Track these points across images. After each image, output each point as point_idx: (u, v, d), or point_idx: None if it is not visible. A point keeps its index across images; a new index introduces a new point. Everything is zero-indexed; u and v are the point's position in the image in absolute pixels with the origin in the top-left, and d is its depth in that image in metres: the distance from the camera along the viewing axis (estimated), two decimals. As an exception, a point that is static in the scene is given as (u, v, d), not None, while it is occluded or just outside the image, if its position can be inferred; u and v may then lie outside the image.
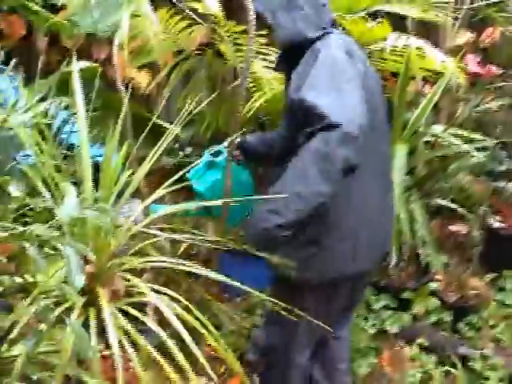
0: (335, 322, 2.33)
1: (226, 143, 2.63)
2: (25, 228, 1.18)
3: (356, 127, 1.86)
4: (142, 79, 4.42)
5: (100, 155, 2.21)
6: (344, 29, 2.82)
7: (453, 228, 3.89)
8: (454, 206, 3.52)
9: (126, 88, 4.57)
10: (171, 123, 2.32)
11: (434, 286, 3.44)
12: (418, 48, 2.59)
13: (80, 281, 1.08)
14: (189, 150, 3.88)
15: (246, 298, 3.31)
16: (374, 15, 3.16)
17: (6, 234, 1.18)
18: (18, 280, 1.27)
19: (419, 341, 3.20)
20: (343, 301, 2.31)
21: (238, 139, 2.63)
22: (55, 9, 3.11)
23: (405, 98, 3.11)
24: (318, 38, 2.15)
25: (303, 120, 1.95)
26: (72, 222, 1.52)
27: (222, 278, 2.04)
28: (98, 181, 2.01)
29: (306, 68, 2.06)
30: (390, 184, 2.41)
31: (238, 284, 1.92)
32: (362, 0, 3.17)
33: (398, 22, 4.45)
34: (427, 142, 3.43)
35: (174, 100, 3.97)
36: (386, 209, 2.33)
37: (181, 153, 3.83)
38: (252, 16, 2.08)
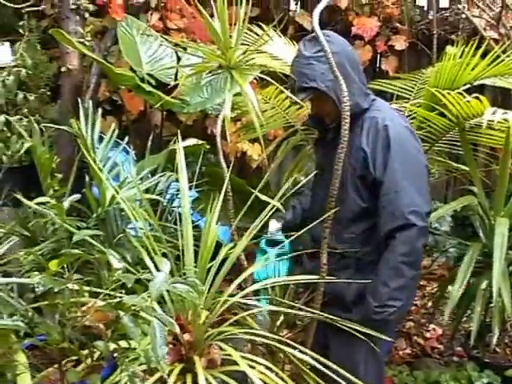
0: None
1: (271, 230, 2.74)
2: (120, 299, 1.31)
3: (427, 219, 2.22)
4: (254, 152, 4.62)
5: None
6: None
7: None
8: None
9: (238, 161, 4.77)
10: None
11: (540, 364, 3.30)
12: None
13: (163, 352, 1.19)
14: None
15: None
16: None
17: (104, 303, 1.31)
18: (112, 346, 1.40)
19: (523, 421, 3.08)
20: None
21: (278, 223, 2.73)
22: (167, 87, 3.35)
23: (507, 172, 3.08)
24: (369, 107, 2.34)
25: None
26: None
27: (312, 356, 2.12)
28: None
29: (377, 147, 2.25)
30: None
31: None
32: (465, 75, 3.22)
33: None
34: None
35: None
36: None
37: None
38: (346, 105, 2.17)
